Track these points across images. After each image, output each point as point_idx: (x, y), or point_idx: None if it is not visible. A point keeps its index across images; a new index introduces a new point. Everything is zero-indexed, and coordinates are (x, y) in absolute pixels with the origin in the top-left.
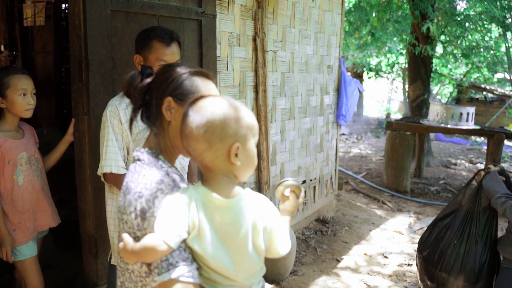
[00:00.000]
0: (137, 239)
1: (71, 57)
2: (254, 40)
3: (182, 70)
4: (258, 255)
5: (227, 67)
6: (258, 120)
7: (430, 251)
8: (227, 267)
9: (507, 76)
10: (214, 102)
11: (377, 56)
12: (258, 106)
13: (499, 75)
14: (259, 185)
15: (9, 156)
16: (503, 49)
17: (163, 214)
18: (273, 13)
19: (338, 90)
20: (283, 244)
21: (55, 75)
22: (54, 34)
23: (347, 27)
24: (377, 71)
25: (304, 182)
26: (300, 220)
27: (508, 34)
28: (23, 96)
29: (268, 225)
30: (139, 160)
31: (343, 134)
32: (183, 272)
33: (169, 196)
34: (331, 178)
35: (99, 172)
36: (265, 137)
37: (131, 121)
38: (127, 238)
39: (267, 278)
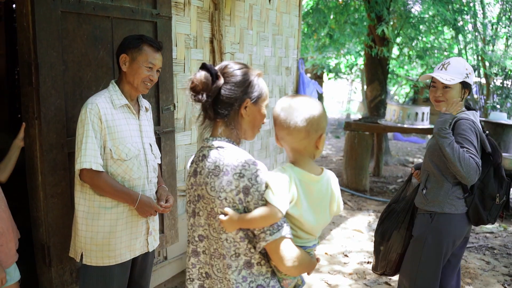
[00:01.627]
0: (238, 211)
1: (20, 60)
2: (212, 42)
3: (252, 73)
4: (330, 216)
5: (184, 69)
6: None
7: (377, 229)
8: (313, 226)
9: None
10: (308, 102)
11: (336, 58)
12: None
13: None
14: None
15: None
16: (455, 50)
17: (275, 190)
18: (230, 15)
19: (297, 92)
20: (342, 207)
21: (8, 77)
22: (5, 36)
23: (306, 29)
24: (337, 72)
25: None
26: None
27: (460, 36)
28: None
29: (338, 193)
30: (220, 147)
31: None
32: (287, 231)
33: (273, 176)
34: None
35: (77, 168)
36: None
37: (205, 114)
38: (231, 211)
39: None
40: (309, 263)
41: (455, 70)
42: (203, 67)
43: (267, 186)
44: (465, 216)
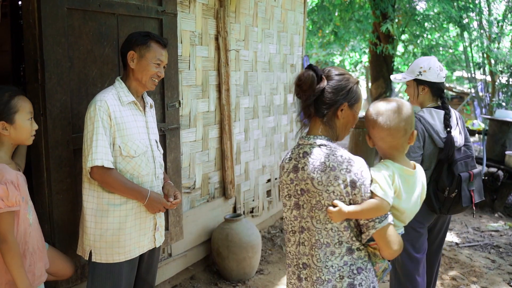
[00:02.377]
0: (345, 203)
1: (26, 57)
2: (217, 39)
3: (353, 80)
4: (419, 206)
5: (189, 67)
6: (221, 119)
7: None
8: (408, 214)
9: (465, 74)
10: (403, 104)
11: (340, 55)
12: (221, 105)
13: (458, 73)
14: (224, 185)
15: (23, 192)
16: (461, 48)
17: (382, 184)
18: (235, 12)
19: None
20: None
21: (13, 74)
22: (11, 32)
23: (311, 26)
24: None
25: (269, 180)
26: (266, 219)
27: (465, 33)
28: (30, 120)
29: (425, 185)
30: (322, 145)
31: None
32: (391, 218)
33: (379, 172)
34: None
35: (89, 165)
36: (229, 137)
37: (306, 111)
38: (340, 203)
39: (233, 279)
40: (402, 247)
41: (410, 69)
42: (310, 67)
43: (372, 181)
44: (424, 205)
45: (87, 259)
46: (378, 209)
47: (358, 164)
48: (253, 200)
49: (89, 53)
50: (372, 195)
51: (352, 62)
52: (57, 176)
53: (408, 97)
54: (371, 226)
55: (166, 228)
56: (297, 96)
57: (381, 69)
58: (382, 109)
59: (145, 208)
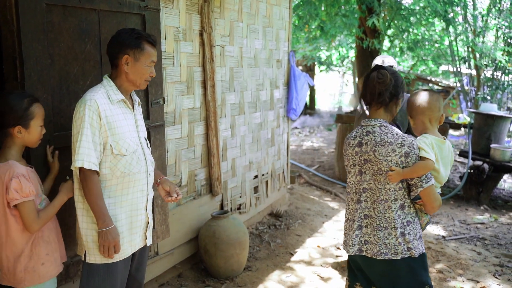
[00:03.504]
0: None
1: (4, 54)
2: (201, 34)
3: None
4: (449, 171)
5: (174, 63)
6: (207, 116)
7: None
8: (443, 177)
9: (451, 69)
10: (436, 92)
11: (327, 50)
12: (206, 101)
13: (444, 68)
14: (210, 181)
15: (34, 185)
16: (446, 42)
17: (427, 149)
18: (220, 7)
19: (288, 84)
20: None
21: None
22: None
23: (297, 21)
24: (328, 65)
25: (256, 177)
26: (253, 215)
27: (451, 28)
28: (41, 126)
29: (453, 154)
30: (382, 126)
31: (296, 127)
32: (433, 180)
33: (421, 141)
34: (283, 172)
35: (72, 166)
36: (215, 133)
37: (382, 101)
38: (397, 168)
39: (221, 276)
40: (441, 204)
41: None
42: (381, 67)
43: (419, 149)
44: None
45: (83, 259)
46: (426, 166)
47: (409, 139)
48: (240, 197)
49: (70, 50)
50: (420, 158)
51: (339, 57)
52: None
53: None
54: (419, 185)
55: (152, 227)
56: (370, 90)
57: (367, 63)
58: (423, 93)
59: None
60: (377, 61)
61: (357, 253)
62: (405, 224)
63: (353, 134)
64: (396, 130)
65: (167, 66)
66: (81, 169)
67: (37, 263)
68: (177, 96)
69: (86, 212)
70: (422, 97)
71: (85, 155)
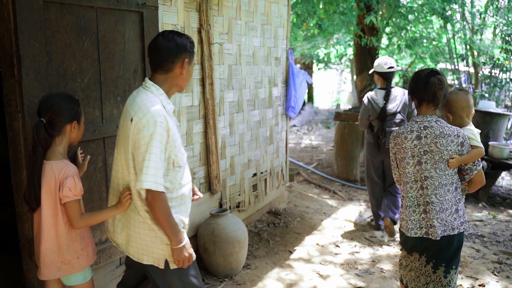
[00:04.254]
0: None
1: (1, 52)
2: (199, 32)
3: None
4: None
5: None
6: (206, 114)
7: None
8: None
9: (449, 66)
10: (468, 92)
11: (325, 48)
12: (205, 99)
13: (441, 65)
14: (209, 180)
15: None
16: (444, 40)
17: (476, 138)
18: (218, 5)
19: (287, 82)
20: None
21: None
22: None
23: (295, 19)
24: (326, 62)
25: (254, 175)
26: (252, 213)
27: (448, 25)
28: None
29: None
30: (438, 121)
31: (294, 125)
32: (481, 163)
33: (471, 133)
34: (282, 170)
35: (138, 186)
36: (214, 131)
37: (437, 102)
38: (456, 156)
39: (220, 274)
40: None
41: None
42: (438, 72)
43: (469, 139)
44: (373, 144)
45: (163, 267)
46: (479, 153)
47: (462, 132)
48: (239, 195)
49: (68, 47)
50: (472, 147)
51: (337, 55)
52: None
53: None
54: (474, 169)
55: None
56: (431, 93)
57: (365, 61)
58: (461, 92)
59: (170, 252)
60: (381, 61)
61: (424, 236)
62: (458, 201)
63: (409, 129)
64: (449, 124)
65: None
66: (149, 190)
67: (73, 257)
68: (176, 94)
69: (150, 225)
70: (462, 96)
71: (153, 176)
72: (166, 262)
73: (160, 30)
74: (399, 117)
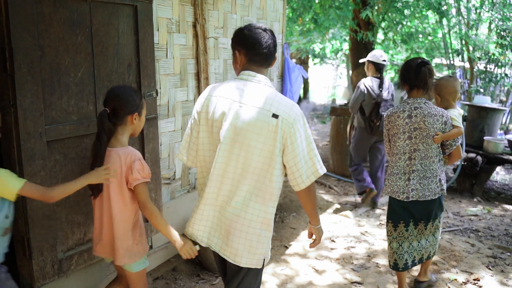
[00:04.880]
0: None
1: None
2: (195, 26)
3: None
4: None
5: (167, 55)
6: None
7: None
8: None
9: (444, 61)
10: (456, 78)
11: (321, 43)
12: (200, 94)
13: (437, 60)
14: None
15: None
16: (440, 35)
17: (458, 119)
18: None
19: (282, 77)
20: None
21: None
22: None
23: (291, 14)
24: (322, 57)
25: None
26: None
27: (444, 20)
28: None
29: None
30: (426, 103)
31: None
32: (460, 140)
33: (453, 114)
34: None
35: (321, 173)
36: None
37: (426, 87)
38: (440, 133)
39: (215, 269)
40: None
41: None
42: (427, 63)
43: (451, 119)
44: (364, 128)
45: (261, 267)
46: (459, 132)
47: (445, 112)
48: None
49: (61, 41)
50: (454, 126)
51: (332, 50)
52: (29, 170)
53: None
54: (453, 145)
55: (146, 220)
56: (422, 80)
57: (361, 56)
58: (451, 78)
59: None
60: (377, 53)
61: (406, 199)
62: (440, 171)
63: (401, 109)
64: (434, 105)
65: (160, 58)
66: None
67: (133, 242)
68: (171, 88)
69: (268, 220)
70: (451, 83)
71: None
72: (263, 260)
73: (155, 24)
74: (390, 103)
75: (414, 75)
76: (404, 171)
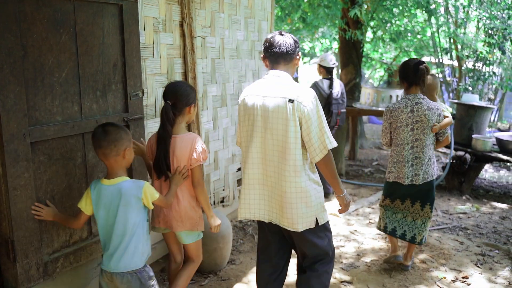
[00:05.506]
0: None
1: None
2: (182, 25)
3: None
4: None
5: (153, 54)
6: None
7: None
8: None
9: (433, 60)
10: (436, 77)
11: (310, 41)
12: None
13: (426, 59)
14: None
15: None
16: (428, 33)
17: (448, 109)
18: None
19: None
20: None
21: None
22: None
23: (279, 13)
24: (311, 56)
25: (239, 169)
26: (237, 208)
27: (433, 19)
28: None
29: None
30: (424, 99)
31: None
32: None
33: (443, 107)
34: None
35: (329, 147)
36: (197, 126)
37: (420, 83)
38: (436, 123)
39: (204, 270)
40: None
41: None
42: (423, 62)
43: (443, 111)
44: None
45: (314, 226)
46: (450, 122)
47: (438, 106)
48: (224, 190)
49: (44, 41)
50: (445, 117)
51: (322, 48)
52: (13, 171)
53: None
54: (445, 133)
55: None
56: (421, 78)
57: (350, 55)
58: (432, 77)
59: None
60: (327, 58)
61: (410, 183)
62: (433, 156)
63: (404, 105)
64: (430, 100)
65: (146, 57)
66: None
67: (196, 215)
68: (158, 88)
69: (310, 186)
70: (433, 81)
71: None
72: (316, 220)
73: (141, 23)
74: (339, 101)
75: (413, 73)
76: (407, 159)
